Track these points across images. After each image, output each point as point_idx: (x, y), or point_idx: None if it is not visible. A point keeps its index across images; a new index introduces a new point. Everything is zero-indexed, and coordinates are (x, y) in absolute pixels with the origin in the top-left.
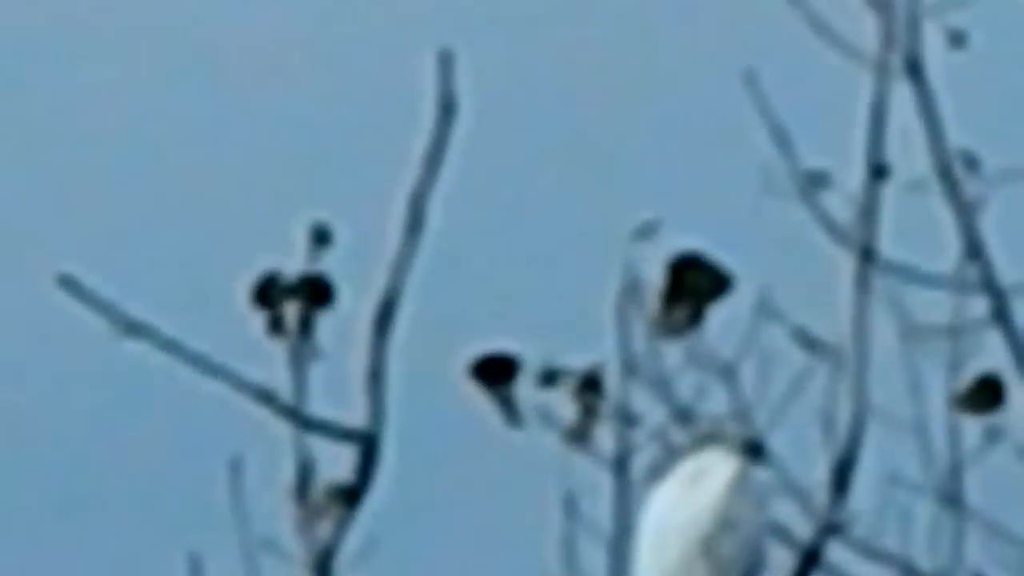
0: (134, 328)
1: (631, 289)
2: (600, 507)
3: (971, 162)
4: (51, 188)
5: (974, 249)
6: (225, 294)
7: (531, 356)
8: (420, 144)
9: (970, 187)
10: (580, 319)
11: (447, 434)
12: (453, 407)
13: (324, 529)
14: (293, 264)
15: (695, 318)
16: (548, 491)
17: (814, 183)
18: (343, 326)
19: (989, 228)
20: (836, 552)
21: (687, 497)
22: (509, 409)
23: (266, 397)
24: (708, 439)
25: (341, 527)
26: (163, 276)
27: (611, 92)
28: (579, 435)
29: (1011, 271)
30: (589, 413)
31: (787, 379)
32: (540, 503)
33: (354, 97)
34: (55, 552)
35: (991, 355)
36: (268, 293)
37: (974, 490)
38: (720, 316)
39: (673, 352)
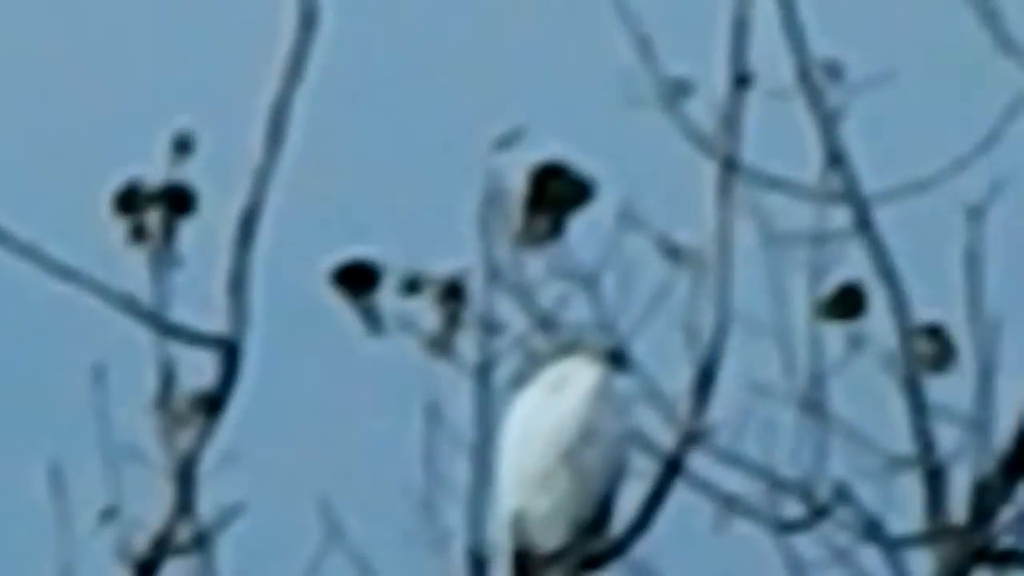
0: None
1: (494, 198)
2: (462, 415)
3: (833, 70)
4: None
5: (836, 158)
6: (87, 202)
7: (393, 264)
8: (282, 53)
9: (832, 95)
10: (443, 227)
11: (309, 342)
12: (315, 315)
13: (186, 437)
14: (155, 172)
15: (557, 227)
16: (410, 399)
17: (677, 91)
18: (205, 234)
19: (851, 136)
20: (698, 460)
21: (549, 405)
22: (371, 317)
23: (128, 304)
24: (570, 347)
25: (203, 435)
26: (23, 184)
27: (474, 1)
28: (441, 343)
29: (873, 179)
30: (451, 321)
31: (650, 288)
32: (402, 411)
33: (215, 6)
34: None
35: (853, 264)
36: (130, 201)
37: (836, 398)
38: (582, 224)
39: (536, 260)
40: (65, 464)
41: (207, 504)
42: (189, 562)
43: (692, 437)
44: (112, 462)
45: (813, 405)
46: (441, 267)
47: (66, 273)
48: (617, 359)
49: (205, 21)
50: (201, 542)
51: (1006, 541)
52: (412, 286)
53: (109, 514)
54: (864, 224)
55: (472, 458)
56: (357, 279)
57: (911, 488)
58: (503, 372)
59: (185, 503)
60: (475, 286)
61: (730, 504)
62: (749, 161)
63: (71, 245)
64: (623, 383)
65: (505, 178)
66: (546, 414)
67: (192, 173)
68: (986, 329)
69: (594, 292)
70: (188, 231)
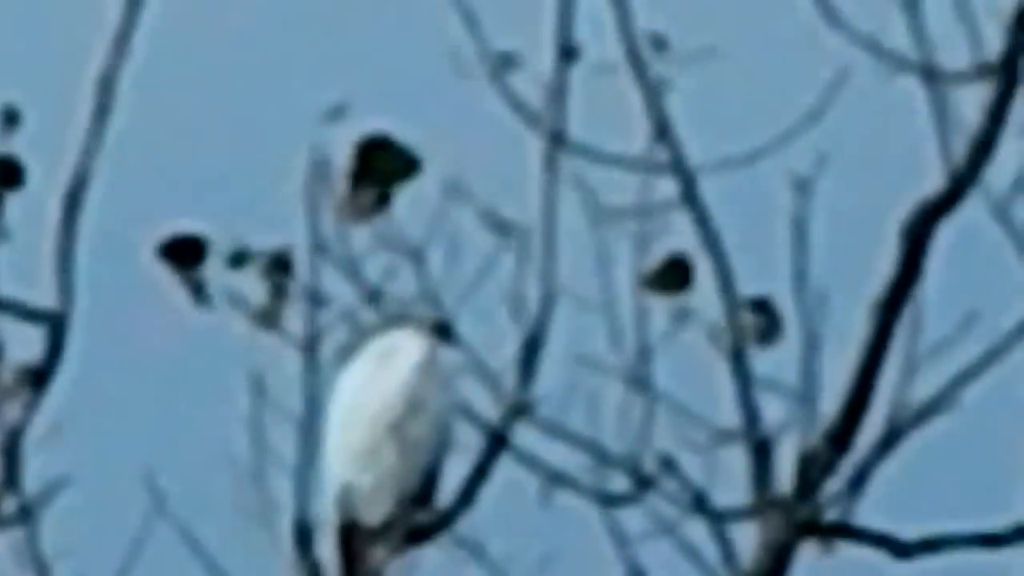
0: None
1: (319, 171)
2: (289, 388)
3: (659, 43)
4: None
5: (662, 130)
6: None
7: (220, 238)
8: (109, 25)
9: (658, 68)
10: (269, 201)
11: (135, 316)
12: (141, 289)
13: (11, 410)
14: None
15: (383, 200)
16: (237, 372)
17: (503, 64)
18: (32, 207)
19: (677, 110)
20: (524, 434)
21: (375, 378)
22: (197, 290)
23: None
24: (396, 320)
25: (28, 408)
26: None
27: None
28: (268, 316)
29: (698, 152)
30: (278, 294)
31: (476, 261)
32: (229, 384)
33: None
34: None
35: (679, 236)
36: None
37: (662, 371)
38: (408, 198)
39: (362, 233)
40: None
41: (32, 477)
42: (14, 535)
43: (517, 410)
44: None
45: (639, 378)
46: (267, 240)
47: None
48: (443, 332)
49: None
50: (26, 515)
51: (831, 514)
52: (238, 259)
53: None
54: (690, 196)
55: (299, 431)
56: (184, 252)
57: (737, 461)
58: (330, 345)
59: (10, 476)
60: (301, 259)
61: (555, 477)
62: (575, 134)
63: None
64: (449, 356)
65: (331, 151)
66: (372, 387)
67: (19, 146)
68: (811, 302)
69: (420, 265)
70: (15, 204)
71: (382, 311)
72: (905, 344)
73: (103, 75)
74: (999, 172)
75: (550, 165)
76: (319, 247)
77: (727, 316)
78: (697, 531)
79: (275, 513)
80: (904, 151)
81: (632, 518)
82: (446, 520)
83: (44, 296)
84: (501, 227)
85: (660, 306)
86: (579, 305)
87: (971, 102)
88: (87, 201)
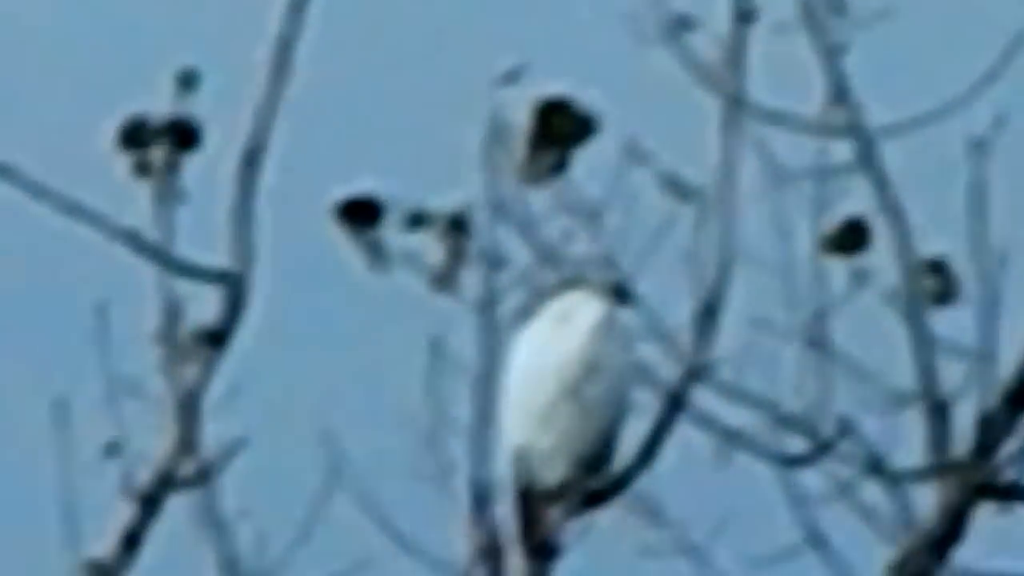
0: (1, 170)
1: (498, 133)
2: (467, 349)
3: (837, 4)
4: None
5: (840, 92)
6: (92, 138)
7: (398, 199)
8: None
9: (836, 29)
10: (447, 163)
11: (313, 277)
12: (320, 250)
13: (190, 372)
14: (160, 107)
15: (562, 162)
16: (415, 334)
17: (680, 26)
18: (210, 169)
19: (855, 71)
20: (701, 395)
21: (553, 340)
22: (375, 252)
23: (133, 240)
24: (574, 282)
25: (207, 370)
26: (29, 120)
27: None
28: (445, 278)
29: (877, 114)
30: (456, 256)
31: (654, 223)
32: (407, 346)
33: None
34: None
35: (857, 198)
36: (135, 136)
37: (840, 333)
38: (587, 159)
39: (540, 195)
40: (69, 399)
41: (210, 439)
42: (192, 496)
43: (696, 372)
44: (116, 397)
45: (817, 340)
46: (445, 202)
47: (71, 209)
48: (620, 293)
49: None
50: (204, 476)
51: (1009, 475)
52: (416, 221)
53: (113, 449)
54: (868, 158)
55: (476, 393)
56: (362, 214)
57: (915, 422)
58: (507, 307)
59: (188, 438)
60: (479, 221)
61: (733, 439)
62: (753, 96)
63: (76, 181)
64: (627, 318)
65: (510, 113)
66: (550, 349)
67: (197, 108)
68: (990, 262)
69: (598, 227)
70: (193, 166)
71: (559, 273)
72: None
73: (281, 37)
74: None
75: (728, 127)
76: (497, 208)
77: (905, 278)
78: (874, 492)
79: (452, 475)
80: None
81: (809, 479)
82: (623, 482)
83: (222, 257)
84: (679, 189)
85: (838, 268)
86: (757, 267)
87: None
88: (265, 163)
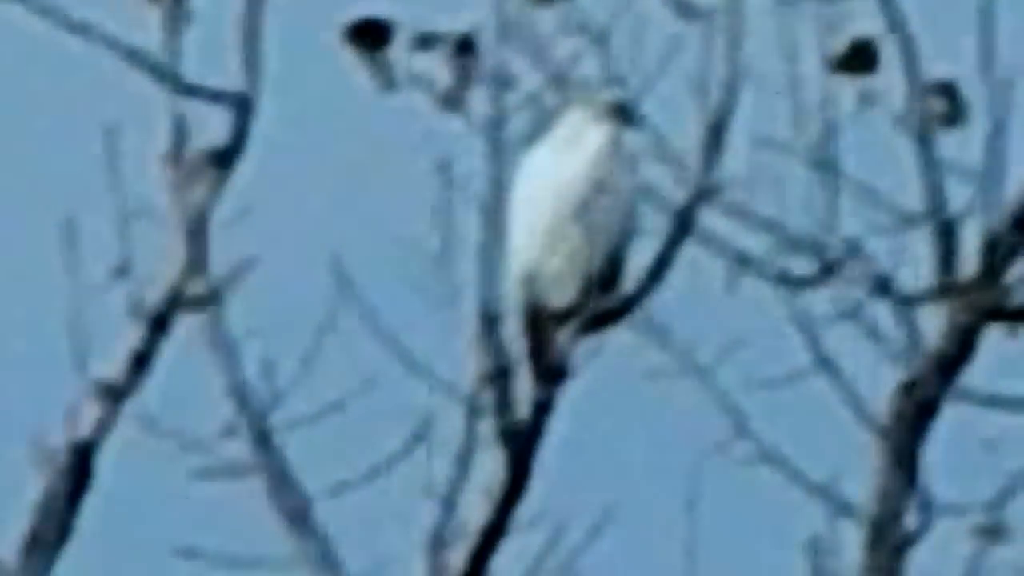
0: None
1: None
2: (474, 171)
3: None
4: None
5: None
6: None
7: (406, 20)
8: None
9: None
10: None
11: (322, 98)
12: (327, 71)
13: (198, 192)
14: None
15: None
16: (422, 156)
17: None
18: None
19: None
20: (709, 216)
21: (560, 161)
22: (383, 73)
23: (141, 60)
24: (582, 103)
25: (215, 190)
26: None
27: None
28: (453, 99)
29: None
30: (463, 77)
31: (661, 43)
32: (414, 167)
33: None
34: None
35: (864, 18)
36: None
37: (848, 154)
38: None
39: (548, 16)
40: (78, 220)
41: (219, 259)
42: (201, 317)
43: (703, 193)
44: (124, 218)
45: (824, 161)
46: (453, 23)
47: (80, 29)
48: (626, 113)
49: None
50: (213, 297)
51: (1017, 297)
52: (424, 42)
53: (121, 270)
54: None
55: (484, 214)
56: (369, 35)
57: (922, 244)
58: (515, 128)
59: (197, 259)
60: (487, 42)
61: (741, 260)
62: None
63: (85, 2)
64: (634, 139)
65: None
66: (557, 171)
67: None
68: (998, 84)
69: (606, 47)
70: None
71: (567, 94)
72: None
73: None
74: None
75: None
76: (505, 29)
77: (913, 99)
78: (882, 314)
79: (460, 297)
80: None
81: (817, 301)
82: (631, 303)
83: (231, 78)
84: (686, 9)
85: (845, 88)
86: (764, 88)
87: None
88: None
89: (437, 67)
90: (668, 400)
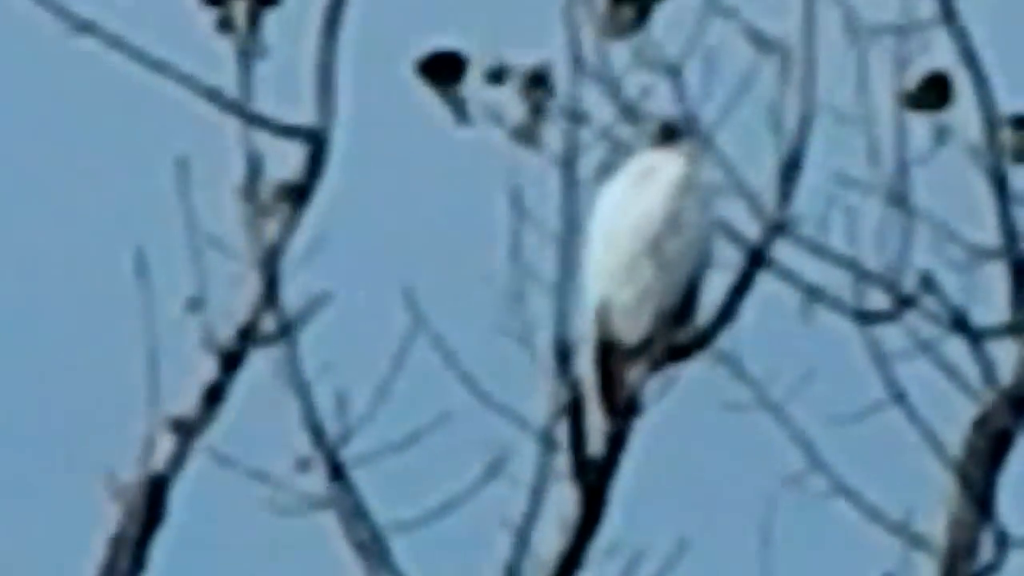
0: (83, 26)
1: None
2: (548, 205)
3: None
4: None
5: None
6: None
7: (479, 54)
8: None
9: None
10: (529, 18)
11: (395, 132)
12: (402, 104)
13: (272, 227)
14: None
15: (642, 16)
16: (496, 189)
17: None
18: (292, 24)
19: None
20: (783, 251)
21: (635, 195)
22: (457, 106)
23: (214, 95)
24: (656, 138)
25: (289, 225)
26: None
27: None
28: (527, 133)
29: None
30: (537, 111)
31: (735, 77)
32: (488, 201)
33: None
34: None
35: (938, 53)
36: None
37: (921, 188)
38: (667, 14)
39: (621, 50)
40: (151, 254)
41: (292, 294)
42: (274, 352)
43: (777, 227)
44: (198, 252)
45: (898, 195)
46: (527, 57)
47: (154, 64)
48: (676, 134)
49: None
50: (286, 332)
51: None
52: (498, 76)
53: (195, 304)
54: (949, 13)
55: (557, 248)
56: (444, 69)
57: (996, 278)
58: (588, 162)
59: (270, 293)
60: (560, 76)
61: (814, 294)
62: None
63: (159, 36)
64: (708, 172)
65: None
66: (631, 204)
67: None
68: None
69: (679, 81)
70: (274, 21)
71: (641, 128)
72: None
73: None
74: None
75: None
76: (578, 63)
77: (987, 133)
78: (956, 349)
79: (534, 330)
80: None
81: (891, 335)
82: (705, 337)
83: (304, 113)
84: (760, 43)
85: (919, 123)
86: (838, 122)
87: None
88: (346, 17)
89: (510, 101)
90: (742, 434)
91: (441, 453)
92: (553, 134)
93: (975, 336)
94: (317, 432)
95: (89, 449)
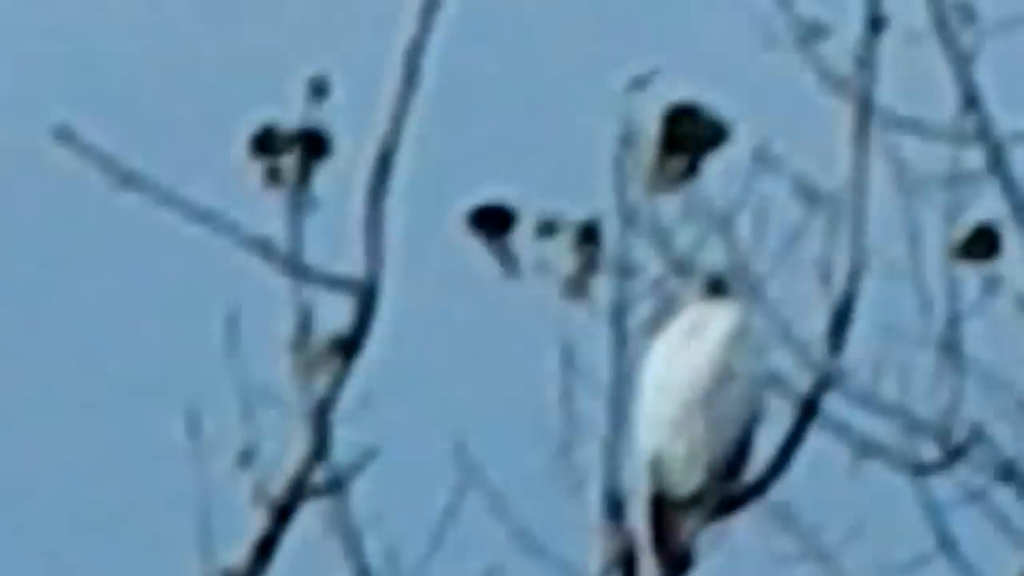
0: (131, 180)
1: (628, 140)
2: (598, 358)
3: (967, 12)
4: (50, 41)
5: (970, 99)
6: (223, 145)
7: (529, 207)
8: None
9: (966, 37)
10: (578, 170)
11: (445, 285)
12: (451, 258)
13: (322, 380)
14: (291, 115)
15: (692, 168)
16: (546, 342)
17: (812, 33)
18: (341, 177)
19: (985, 78)
20: (834, 403)
21: (685, 348)
22: (507, 260)
23: (264, 248)
24: (706, 290)
25: (338, 378)
26: (161, 128)
27: None
28: (577, 286)
29: (1007, 120)
30: (587, 264)
31: (785, 230)
32: (538, 354)
33: None
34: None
35: (988, 205)
36: (266, 144)
37: (972, 340)
38: (717, 166)
39: (670, 203)
40: (201, 408)
41: (343, 447)
42: (325, 505)
43: (828, 379)
44: (248, 406)
45: (949, 347)
46: (576, 210)
47: (202, 216)
48: (723, 287)
49: None
50: (337, 485)
51: None
52: (548, 229)
53: (245, 458)
54: (998, 165)
55: (608, 401)
56: (493, 222)
57: None
58: (638, 315)
59: (321, 446)
60: (610, 229)
61: (866, 446)
62: (884, 103)
63: (207, 188)
64: (759, 326)
65: (639, 120)
66: (682, 358)
67: (328, 116)
68: None
69: (729, 235)
70: (323, 174)
71: (691, 281)
72: None
73: (411, 44)
74: None
75: (859, 133)
76: (628, 216)
77: None
78: (1006, 499)
79: (586, 483)
80: None
81: (942, 487)
82: (757, 490)
83: (353, 265)
84: (810, 195)
85: (969, 274)
86: (888, 274)
87: None
88: (395, 170)
89: (561, 254)
90: None
91: None
92: (603, 287)
93: None
94: None
95: None
